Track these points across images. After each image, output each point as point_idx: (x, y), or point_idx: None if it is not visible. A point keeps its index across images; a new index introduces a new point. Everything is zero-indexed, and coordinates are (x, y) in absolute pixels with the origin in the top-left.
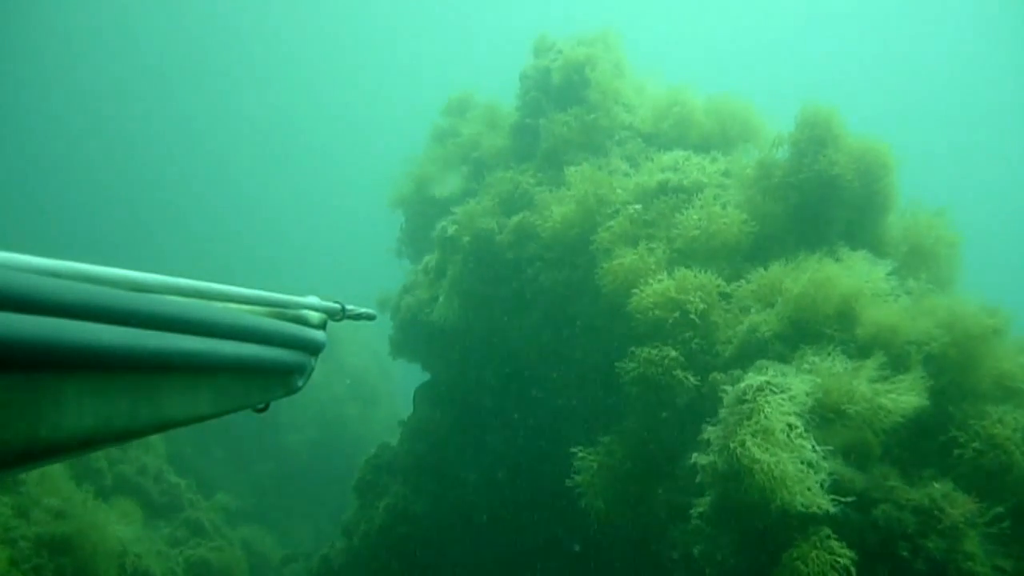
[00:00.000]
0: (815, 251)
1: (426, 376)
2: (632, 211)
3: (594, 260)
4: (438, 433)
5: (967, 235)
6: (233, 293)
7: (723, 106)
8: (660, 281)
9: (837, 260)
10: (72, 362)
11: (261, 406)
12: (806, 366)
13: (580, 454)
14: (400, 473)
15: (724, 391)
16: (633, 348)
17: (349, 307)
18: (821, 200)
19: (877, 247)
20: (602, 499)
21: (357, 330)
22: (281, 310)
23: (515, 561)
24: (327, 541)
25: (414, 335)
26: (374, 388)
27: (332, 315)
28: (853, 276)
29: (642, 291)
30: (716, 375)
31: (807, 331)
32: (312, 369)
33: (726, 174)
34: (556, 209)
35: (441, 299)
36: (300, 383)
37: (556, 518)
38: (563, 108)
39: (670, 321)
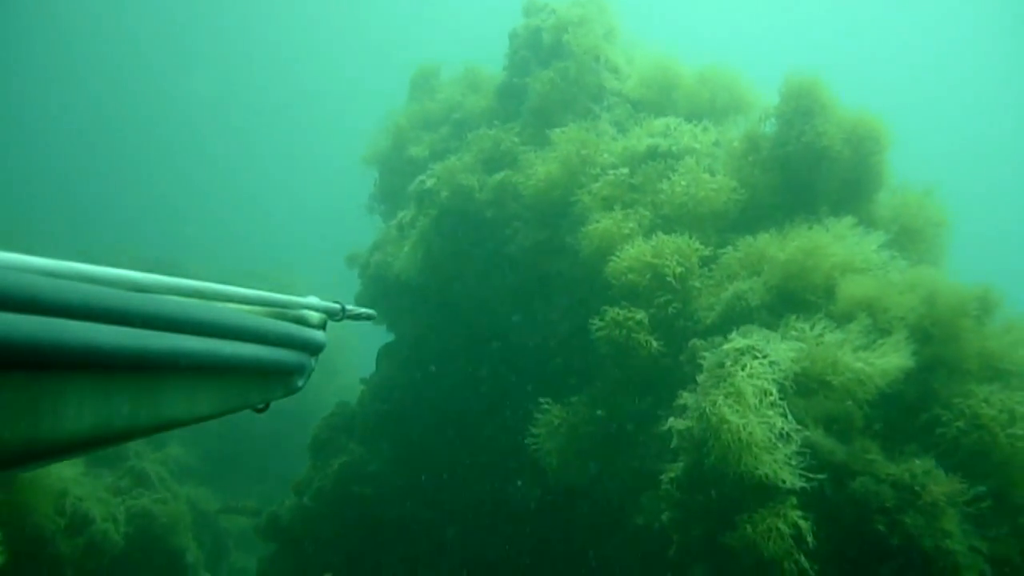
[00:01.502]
0: (809, 222)
1: (391, 337)
2: (617, 175)
3: (575, 223)
4: (400, 393)
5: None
6: (233, 293)
7: (713, 77)
8: (637, 245)
9: (827, 230)
10: (72, 362)
11: (261, 406)
12: (793, 333)
13: (545, 406)
14: (358, 432)
15: (703, 358)
16: (606, 308)
17: (349, 307)
18: (810, 172)
19: (866, 224)
20: (557, 456)
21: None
22: (281, 310)
23: (474, 523)
24: (277, 500)
25: (382, 293)
26: (332, 360)
27: (332, 315)
28: (844, 246)
29: (619, 255)
30: (696, 341)
31: (794, 300)
32: (312, 369)
33: (716, 144)
34: (539, 168)
35: (406, 250)
36: (300, 383)
37: (518, 481)
38: (550, 67)
39: (643, 285)
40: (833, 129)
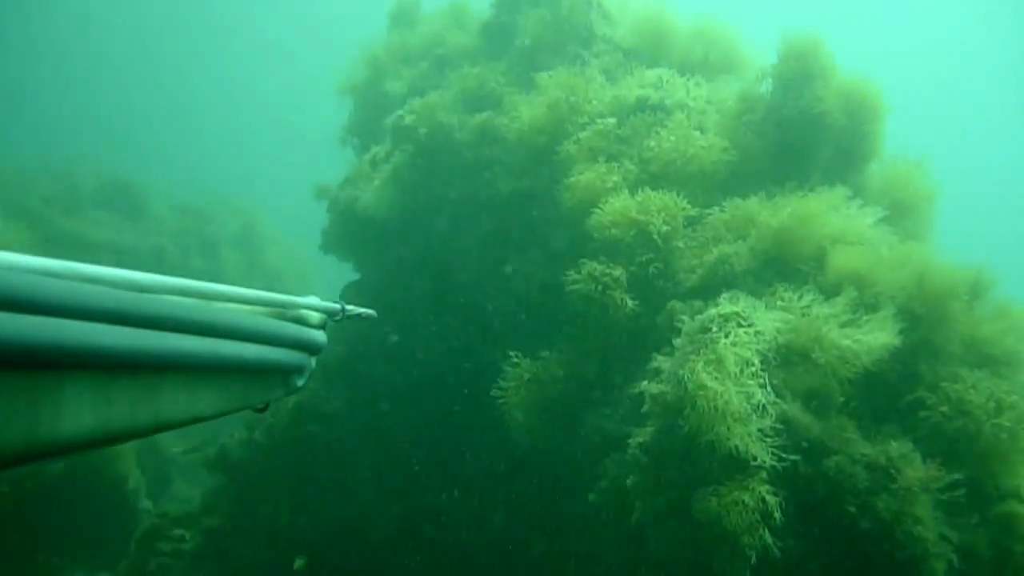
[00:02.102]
0: (800, 189)
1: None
2: (604, 124)
3: (559, 171)
4: (361, 334)
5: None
6: (233, 294)
7: (708, 31)
8: (622, 199)
9: (820, 199)
10: (72, 362)
11: (261, 406)
12: (779, 302)
13: (515, 360)
14: (316, 372)
15: (682, 321)
16: (583, 261)
17: (349, 307)
18: (804, 138)
19: (857, 194)
20: (523, 412)
21: (282, 235)
22: (281, 310)
23: (430, 474)
24: (226, 432)
25: (350, 230)
26: (290, 292)
27: (331, 315)
28: (838, 217)
29: (603, 208)
30: (675, 303)
31: (783, 268)
32: (312, 369)
33: (708, 101)
34: (525, 112)
35: (376, 183)
36: (300, 382)
37: (481, 438)
38: (540, 6)
39: (626, 241)
40: (831, 95)
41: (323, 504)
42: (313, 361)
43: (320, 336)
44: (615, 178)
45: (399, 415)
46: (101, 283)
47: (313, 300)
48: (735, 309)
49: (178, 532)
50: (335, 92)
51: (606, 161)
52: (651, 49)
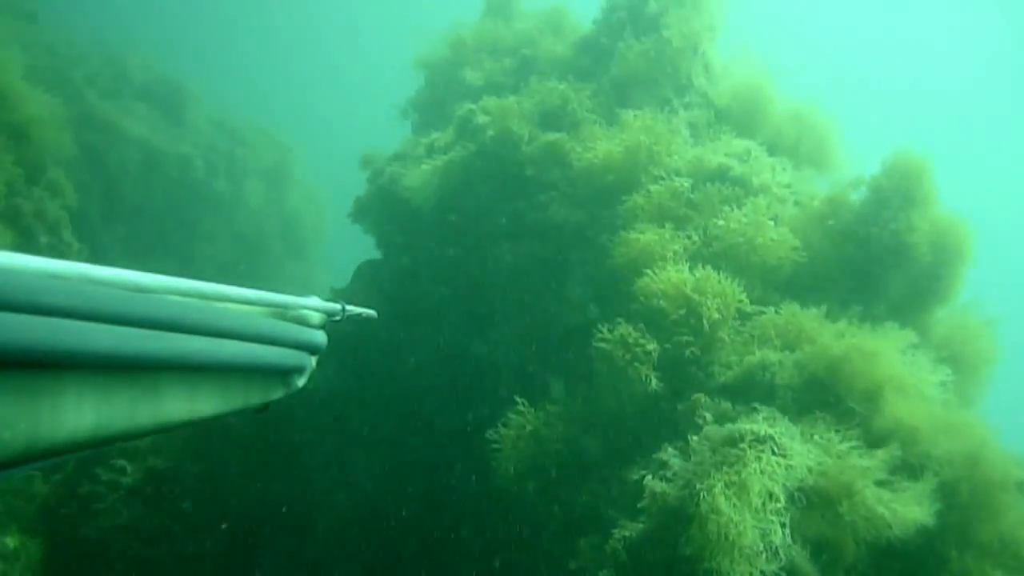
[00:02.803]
0: (862, 315)
1: (369, 255)
2: (680, 185)
3: (618, 218)
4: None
5: None
6: (233, 294)
7: (805, 116)
8: (679, 271)
9: (886, 336)
10: (73, 363)
11: (261, 406)
12: (817, 438)
13: (520, 408)
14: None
15: (703, 416)
16: (618, 320)
17: (349, 307)
18: (884, 263)
19: (920, 337)
20: (515, 465)
21: (312, 181)
22: (281, 310)
23: (396, 475)
24: None
25: (386, 207)
26: (304, 241)
27: (332, 315)
28: (903, 363)
29: (656, 274)
30: (702, 396)
31: (829, 397)
32: (312, 369)
33: (789, 187)
34: (601, 145)
35: (425, 168)
36: (300, 382)
37: (464, 465)
38: (644, 38)
39: (673, 317)
40: (925, 226)
41: (275, 480)
42: (313, 361)
43: (320, 336)
44: (676, 247)
45: (384, 416)
46: (101, 283)
47: (314, 300)
48: (772, 432)
49: (120, 463)
50: (410, 64)
51: (672, 224)
52: (743, 116)
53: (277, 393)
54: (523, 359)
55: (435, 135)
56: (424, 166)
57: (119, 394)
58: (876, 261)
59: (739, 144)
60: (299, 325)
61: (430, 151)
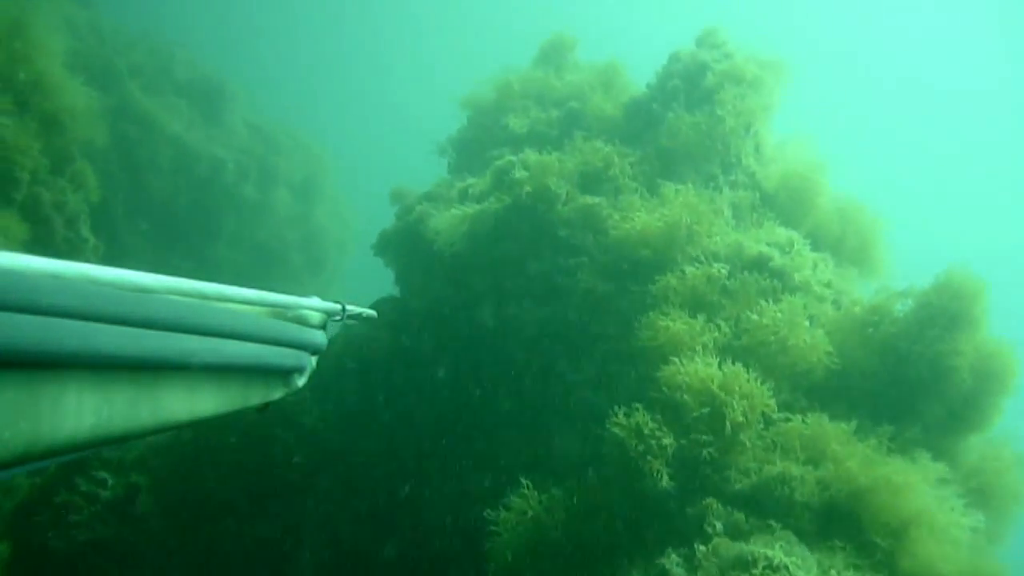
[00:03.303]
0: (894, 435)
1: (384, 292)
2: (717, 271)
3: (648, 296)
4: (373, 359)
5: None
6: (234, 294)
7: (853, 214)
8: (708, 365)
9: (913, 462)
10: (73, 362)
11: (261, 406)
12: (833, 573)
13: (525, 491)
14: (313, 373)
15: (713, 525)
16: (635, 405)
17: (349, 307)
18: (923, 384)
19: (950, 465)
20: (513, 553)
21: (343, 202)
22: (282, 310)
23: (376, 520)
24: None
25: (410, 246)
26: (325, 255)
27: (332, 315)
28: (934, 496)
29: (683, 365)
30: (713, 502)
31: (850, 526)
32: (313, 369)
33: (828, 286)
34: (640, 217)
35: (455, 212)
36: (300, 382)
37: (451, 532)
38: (696, 110)
39: (695, 414)
40: (970, 351)
41: (258, 515)
42: (314, 361)
43: (320, 336)
44: (706, 339)
45: (376, 464)
46: (101, 283)
47: (314, 300)
48: (787, 561)
49: (102, 475)
50: (456, 101)
51: (704, 313)
52: (789, 204)
53: (277, 393)
54: (532, 427)
55: (471, 180)
56: (454, 210)
57: (119, 394)
58: (914, 381)
59: (782, 233)
60: (299, 325)
61: (463, 196)
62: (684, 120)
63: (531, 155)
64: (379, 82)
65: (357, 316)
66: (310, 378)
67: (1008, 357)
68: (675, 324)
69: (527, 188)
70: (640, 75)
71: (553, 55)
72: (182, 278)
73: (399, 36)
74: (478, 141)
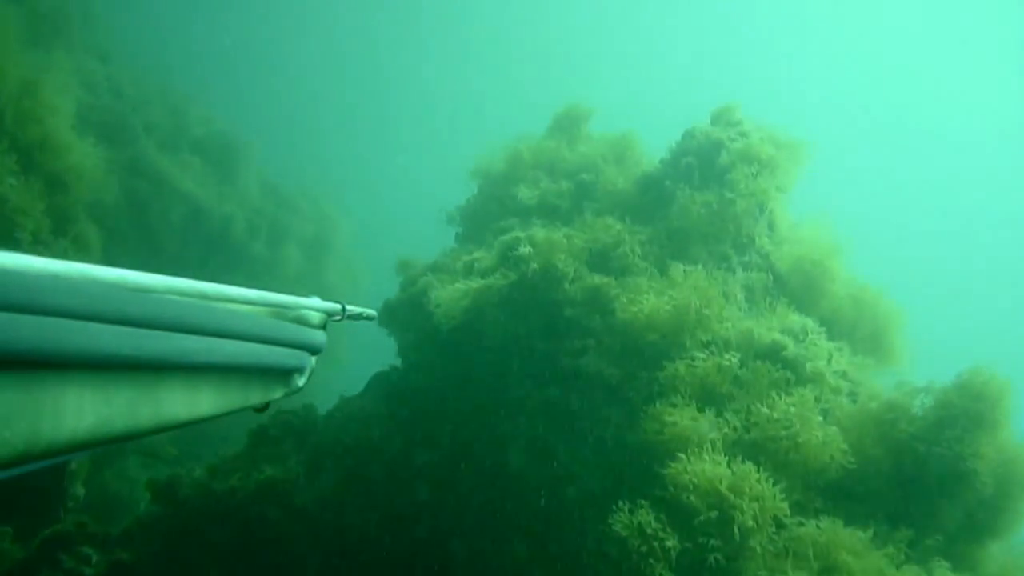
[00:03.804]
0: (912, 542)
1: (387, 361)
2: (728, 361)
3: (655, 383)
4: (372, 435)
5: None
6: (234, 294)
7: (866, 302)
8: (716, 464)
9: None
10: (73, 362)
11: (261, 406)
12: None
13: None
14: (308, 450)
15: None
16: (640, 502)
17: (349, 307)
18: (941, 487)
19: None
20: None
21: (353, 261)
22: (282, 310)
23: None
24: (194, 461)
25: (413, 319)
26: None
27: (332, 315)
28: None
29: (690, 463)
30: None
31: None
32: (313, 369)
33: (844, 376)
34: (648, 300)
35: (460, 287)
36: (301, 383)
37: None
38: (709, 189)
39: (702, 517)
40: (992, 454)
41: None
42: (314, 360)
43: (321, 336)
44: (714, 435)
45: (361, 546)
46: (101, 283)
47: (314, 301)
48: None
49: (87, 551)
50: (466, 169)
51: (713, 406)
52: (802, 288)
53: (277, 393)
54: (529, 521)
55: (477, 254)
56: (458, 284)
57: (119, 394)
58: (933, 484)
59: (796, 320)
60: (299, 325)
61: (469, 270)
62: (696, 200)
63: (539, 232)
64: (392, 144)
65: (357, 316)
66: (310, 378)
67: None
68: (682, 419)
69: (534, 266)
70: (654, 146)
71: (567, 125)
72: (182, 278)
73: (415, 100)
74: (487, 211)
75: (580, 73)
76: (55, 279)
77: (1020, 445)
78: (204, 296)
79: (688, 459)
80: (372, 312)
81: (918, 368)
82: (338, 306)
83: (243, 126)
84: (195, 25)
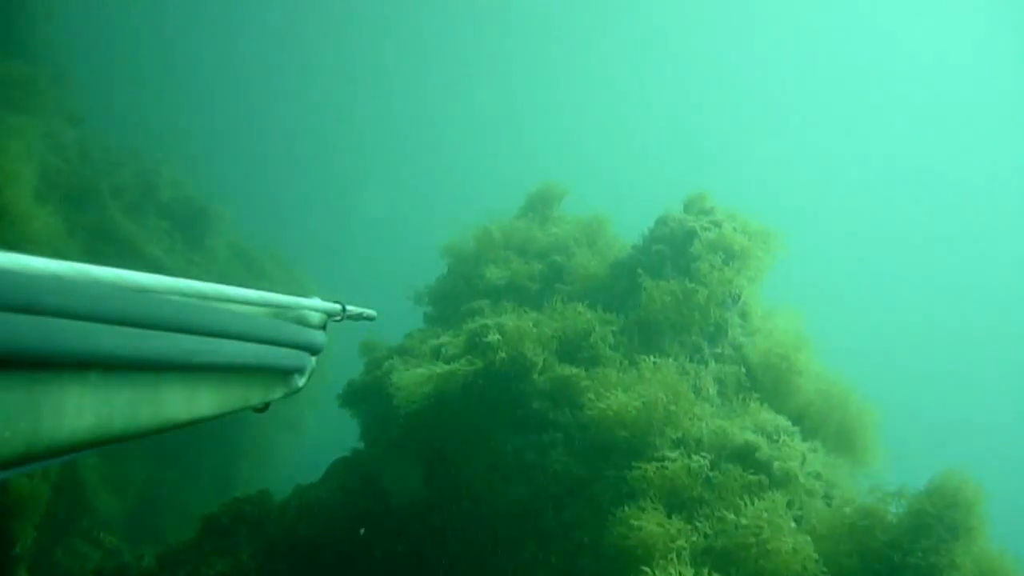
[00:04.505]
0: None
1: (349, 444)
2: (698, 463)
3: (623, 484)
4: (330, 527)
5: None
6: (234, 294)
7: (838, 396)
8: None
9: None
10: (74, 363)
11: (261, 406)
12: None
13: None
14: (262, 541)
15: None
16: None
17: (349, 307)
18: None
19: None
20: None
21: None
22: (282, 310)
23: None
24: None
25: (376, 403)
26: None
27: (332, 315)
28: None
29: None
30: None
31: None
32: (313, 369)
33: (819, 478)
34: (617, 396)
35: (422, 372)
36: (301, 383)
37: None
38: (681, 278)
39: None
40: (968, 564)
41: None
42: (314, 361)
43: (321, 336)
44: (682, 542)
45: None
46: (102, 283)
47: (315, 301)
48: None
49: None
50: (438, 248)
51: (681, 513)
52: (772, 382)
53: (278, 393)
54: None
55: (444, 338)
56: (421, 369)
57: (119, 394)
58: None
59: (769, 419)
60: (299, 325)
61: (436, 354)
62: (663, 289)
63: (508, 320)
64: (364, 219)
65: (358, 316)
66: (310, 378)
67: (1010, 570)
68: (648, 524)
69: (501, 355)
70: (625, 226)
71: (540, 205)
72: (182, 278)
73: (388, 173)
74: (456, 291)
75: (554, 152)
76: (55, 279)
77: (998, 556)
78: (204, 296)
79: (653, 571)
80: (372, 312)
81: (897, 464)
82: (338, 306)
83: (216, 187)
84: (172, 89)
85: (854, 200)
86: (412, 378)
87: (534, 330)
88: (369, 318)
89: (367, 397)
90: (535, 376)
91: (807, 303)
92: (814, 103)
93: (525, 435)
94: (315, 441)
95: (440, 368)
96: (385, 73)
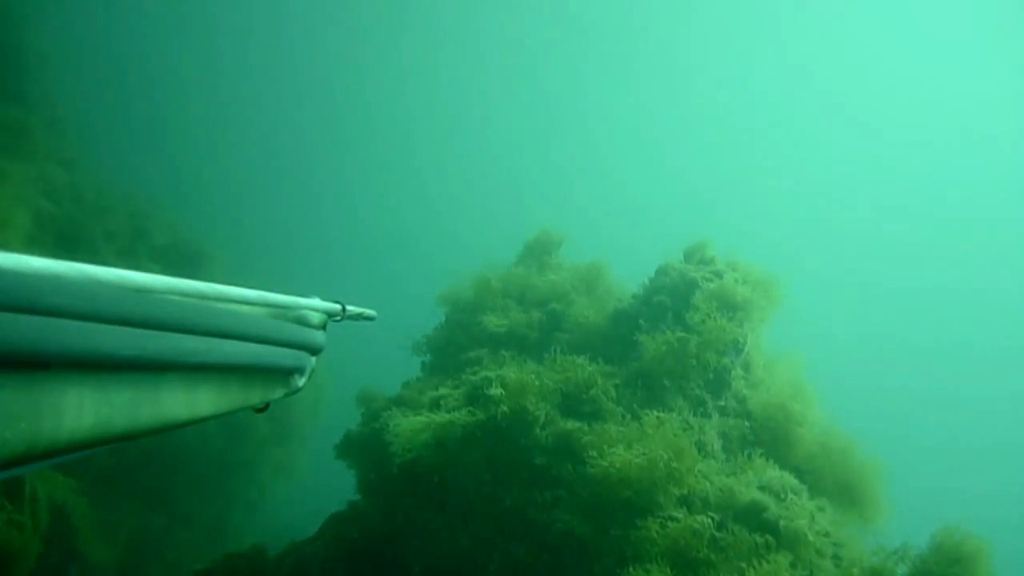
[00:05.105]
0: None
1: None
2: (702, 524)
3: (628, 544)
4: None
5: None
6: (234, 294)
7: (841, 450)
8: None
9: None
10: (74, 362)
11: (261, 406)
12: None
13: None
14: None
15: None
16: None
17: (349, 307)
18: None
19: None
20: None
21: (317, 369)
22: (282, 310)
23: None
24: None
25: (374, 455)
26: (292, 425)
27: (332, 315)
28: None
29: None
30: None
31: None
32: (313, 369)
33: (827, 536)
34: (619, 453)
35: (421, 421)
36: (300, 383)
37: None
38: (682, 328)
39: None
40: None
41: None
42: (314, 361)
43: (321, 336)
44: None
45: None
46: (101, 283)
47: (315, 301)
48: None
49: None
50: (435, 297)
51: (691, 571)
52: (774, 435)
53: (278, 393)
54: None
55: (443, 389)
56: (419, 417)
57: (119, 394)
58: None
59: (774, 477)
60: (299, 325)
61: (435, 406)
62: (655, 340)
63: (510, 373)
64: (363, 270)
65: (358, 316)
66: (310, 378)
67: None
68: None
69: (503, 408)
70: (624, 272)
71: (538, 252)
72: (182, 278)
73: (386, 222)
74: (455, 340)
75: (551, 199)
76: (55, 279)
77: None
78: (204, 296)
79: None
80: (372, 312)
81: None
82: (338, 306)
83: (210, 230)
84: (167, 132)
85: (855, 241)
86: (411, 425)
87: (536, 383)
88: (369, 318)
89: (364, 448)
90: (537, 431)
91: (807, 344)
92: (812, 145)
93: (527, 491)
94: (309, 484)
95: (439, 416)
96: (376, 124)
